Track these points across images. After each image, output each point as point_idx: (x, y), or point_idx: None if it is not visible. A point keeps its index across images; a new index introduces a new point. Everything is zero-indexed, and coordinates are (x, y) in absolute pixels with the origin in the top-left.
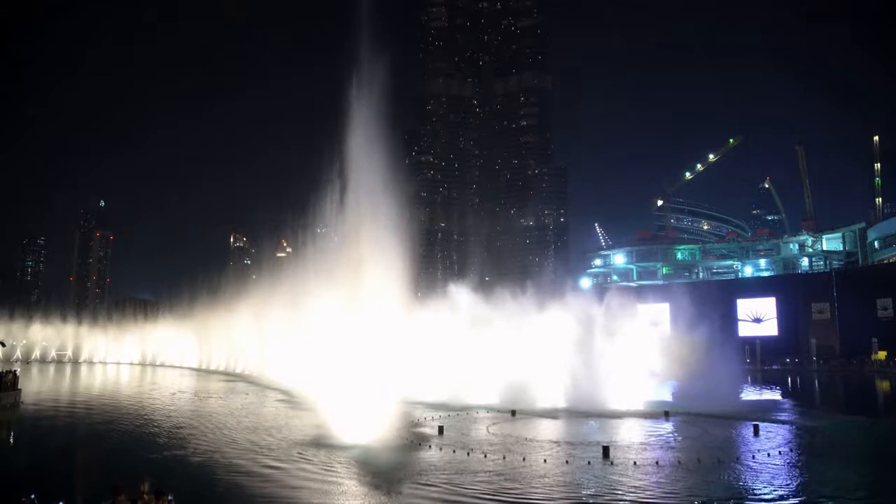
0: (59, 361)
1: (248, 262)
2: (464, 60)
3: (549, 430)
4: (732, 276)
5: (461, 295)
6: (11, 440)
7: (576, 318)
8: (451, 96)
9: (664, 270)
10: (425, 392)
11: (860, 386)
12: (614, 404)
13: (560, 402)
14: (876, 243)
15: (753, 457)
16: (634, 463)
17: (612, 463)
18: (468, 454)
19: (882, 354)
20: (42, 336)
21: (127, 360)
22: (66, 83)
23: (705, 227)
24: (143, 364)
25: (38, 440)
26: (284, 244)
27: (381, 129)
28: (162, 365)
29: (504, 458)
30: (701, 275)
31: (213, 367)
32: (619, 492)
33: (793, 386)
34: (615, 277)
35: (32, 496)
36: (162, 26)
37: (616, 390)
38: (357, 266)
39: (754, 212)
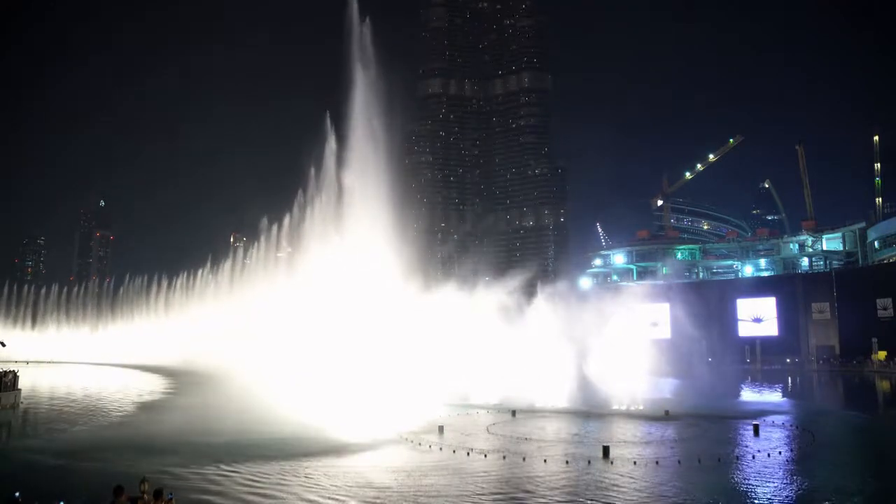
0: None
1: (248, 262)
2: (464, 60)
3: (549, 429)
4: (732, 276)
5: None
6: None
7: (575, 318)
8: (451, 96)
9: (664, 270)
10: (424, 392)
11: (860, 386)
12: (615, 404)
13: (560, 402)
14: (876, 243)
15: (753, 457)
16: (635, 462)
17: (612, 462)
18: (468, 454)
19: (882, 354)
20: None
21: (126, 361)
22: (66, 81)
23: (705, 227)
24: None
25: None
26: (284, 244)
27: (379, 128)
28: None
29: (504, 458)
30: (701, 275)
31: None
32: (620, 492)
33: (793, 386)
34: (615, 277)
35: (16, 494)
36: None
37: (616, 390)
38: (355, 264)
39: (754, 212)
